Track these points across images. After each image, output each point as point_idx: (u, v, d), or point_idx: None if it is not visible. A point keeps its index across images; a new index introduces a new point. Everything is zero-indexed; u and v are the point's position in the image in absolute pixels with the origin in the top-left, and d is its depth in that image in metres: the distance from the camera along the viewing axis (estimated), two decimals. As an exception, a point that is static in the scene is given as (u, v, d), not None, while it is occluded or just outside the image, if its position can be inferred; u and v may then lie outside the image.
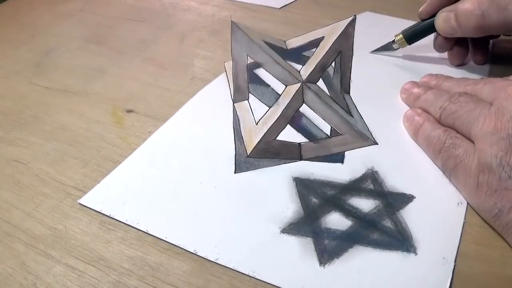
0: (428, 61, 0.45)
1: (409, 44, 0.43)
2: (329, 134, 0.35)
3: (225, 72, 0.44)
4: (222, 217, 0.29)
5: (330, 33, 0.35)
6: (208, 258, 0.27)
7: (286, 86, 0.34)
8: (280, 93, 0.34)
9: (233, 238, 0.28)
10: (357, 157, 0.33)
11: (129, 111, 0.41)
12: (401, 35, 0.43)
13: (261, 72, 0.38)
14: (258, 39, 0.35)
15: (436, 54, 0.44)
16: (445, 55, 0.44)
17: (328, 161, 0.33)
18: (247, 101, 0.37)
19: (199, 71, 0.46)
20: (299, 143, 0.34)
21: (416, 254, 0.26)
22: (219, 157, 0.34)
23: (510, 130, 0.25)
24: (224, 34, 0.53)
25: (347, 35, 0.34)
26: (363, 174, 0.32)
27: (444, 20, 0.39)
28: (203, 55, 0.49)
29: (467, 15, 0.36)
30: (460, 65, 0.43)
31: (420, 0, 0.42)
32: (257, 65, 0.35)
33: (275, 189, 0.31)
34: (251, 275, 0.26)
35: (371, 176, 0.32)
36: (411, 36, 0.43)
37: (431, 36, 0.43)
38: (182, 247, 0.28)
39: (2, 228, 0.30)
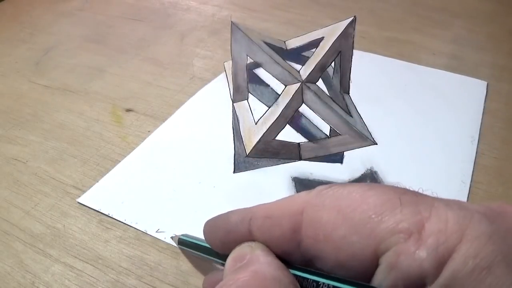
0: (428, 62, 0.45)
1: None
2: (328, 134, 0.35)
3: (224, 72, 0.44)
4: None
5: (330, 34, 0.35)
6: (207, 258, 0.27)
7: (285, 86, 0.34)
8: (279, 93, 0.34)
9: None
10: (356, 157, 0.33)
11: (128, 110, 0.41)
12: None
13: (261, 72, 0.38)
14: (257, 39, 0.35)
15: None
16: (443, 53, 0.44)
17: (328, 161, 0.33)
18: (246, 101, 0.37)
19: (199, 70, 0.46)
20: (299, 143, 0.34)
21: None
22: (218, 157, 0.34)
23: None
24: (224, 34, 0.53)
25: (347, 35, 0.34)
26: (362, 174, 0.32)
27: None
28: (202, 55, 0.49)
29: None
30: None
31: (418, 1, 0.42)
32: (257, 65, 0.35)
33: (274, 189, 0.31)
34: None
35: (370, 176, 0.32)
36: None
37: None
38: (180, 246, 0.28)
39: (0, 226, 0.30)
